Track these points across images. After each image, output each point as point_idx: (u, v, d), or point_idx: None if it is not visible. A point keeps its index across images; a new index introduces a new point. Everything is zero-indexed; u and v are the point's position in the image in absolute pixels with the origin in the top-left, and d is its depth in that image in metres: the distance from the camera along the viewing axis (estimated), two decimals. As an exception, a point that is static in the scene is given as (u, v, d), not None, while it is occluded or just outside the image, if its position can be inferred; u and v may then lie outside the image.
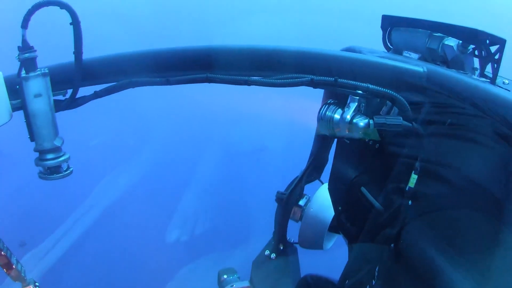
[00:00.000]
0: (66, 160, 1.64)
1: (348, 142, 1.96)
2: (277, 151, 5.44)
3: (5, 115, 1.50)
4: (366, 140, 1.88)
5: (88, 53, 1.66)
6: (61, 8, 1.46)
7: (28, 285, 2.13)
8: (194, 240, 4.99)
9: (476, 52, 1.73)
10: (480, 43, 1.68)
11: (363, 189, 1.94)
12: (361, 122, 1.66)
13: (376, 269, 1.83)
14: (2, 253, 1.89)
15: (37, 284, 2.17)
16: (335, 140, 2.14)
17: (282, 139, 5.35)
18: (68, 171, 1.67)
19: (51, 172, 1.65)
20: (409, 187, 1.71)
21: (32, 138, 1.60)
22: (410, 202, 1.73)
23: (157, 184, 5.57)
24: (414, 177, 1.69)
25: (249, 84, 1.63)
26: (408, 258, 1.71)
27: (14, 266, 1.97)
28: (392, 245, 1.76)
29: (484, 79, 1.66)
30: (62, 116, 1.66)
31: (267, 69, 1.68)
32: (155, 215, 5.12)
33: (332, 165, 2.17)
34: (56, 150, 1.62)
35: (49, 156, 1.62)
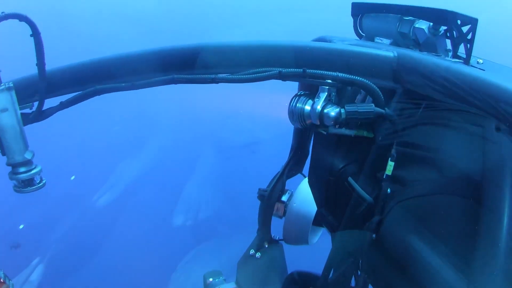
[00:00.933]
0: (38, 173, 1.64)
1: (325, 133, 1.92)
2: (268, 143, 5.62)
3: None
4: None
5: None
6: (20, 20, 1.44)
7: None
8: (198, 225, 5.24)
9: (448, 34, 1.68)
10: (451, 24, 1.62)
11: (350, 179, 1.91)
12: (332, 111, 1.61)
13: (360, 260, 1.80)
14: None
15: None
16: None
17: (272, 133, 5.52)
18: (41, 183, 1.66)
19: (25, 185, 1.65)
20: (386, 174, 1.68)
21: (3, 152, 1.60)
22: (389, 190, 1.70)
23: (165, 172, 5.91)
24: (390, 164, 1.67)
25: (216, 82, 1.60)
26: (389, 246, 1.68)
27: (2, 280, 2.00)
28: (374, 235, 1.73)
29: (457, 60, 1.61)
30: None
31: (235, 66, 1.65)
32: (162, 202, 5.46)
33: (311, 158, 2.14)
34: (28, 163, 1.62)
35: (21, 169, 1.62)
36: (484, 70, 1.53)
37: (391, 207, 1.69)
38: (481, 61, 1.60)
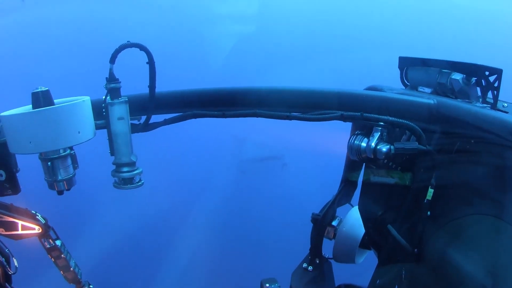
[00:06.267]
0: (139, 174, 1.98)
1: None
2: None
3: (91, 133, 1.80)
4: (389, 164, 2.18)
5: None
6: (140, 49, 1.84)
7: (83, 286, 2.26)
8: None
9: (482, 82, 2.00)
10: (480, 76, 1.98)
11: (390, 227, 2.17)
12: (384, 148, 1.96)
13: (403, 272, 2.04)
14: (62, 256, 2.09)
15: (91, 286, 2.31)
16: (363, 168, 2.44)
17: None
18: (140, 183, 1.98)
19: (125, 182, 1.97)
20: (427, 199, 1.96)
21: (112, 153, 1.95)
22: (428, 213, 1.97)
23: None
24: (430, 191, 1.96)
25: (290, 119, 1.97)
26: (430, 259, 1.93)
27: (72, 269, 2.15)
28: (416, 250, 1.98)
29: (486, 105, 1.96)
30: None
31: (304, 107, 2.04)
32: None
33: (361, 189, 2.45)
34: (132, 164, 1.96)
35: (125, 169, 1.96)
36: (508, 112, 1.88)
37: (430, 227, 1.97)
38: (506, 104, 1.95)
